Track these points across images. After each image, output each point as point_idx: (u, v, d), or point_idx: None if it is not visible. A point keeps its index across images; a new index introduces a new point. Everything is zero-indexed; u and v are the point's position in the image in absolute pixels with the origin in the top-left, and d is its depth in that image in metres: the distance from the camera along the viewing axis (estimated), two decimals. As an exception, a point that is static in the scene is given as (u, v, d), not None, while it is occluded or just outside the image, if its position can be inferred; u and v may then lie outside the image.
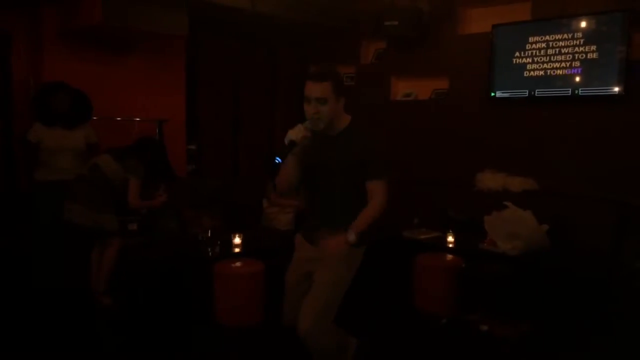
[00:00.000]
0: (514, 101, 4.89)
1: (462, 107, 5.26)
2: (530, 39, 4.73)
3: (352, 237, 2.49)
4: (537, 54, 4.70)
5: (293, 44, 6.44)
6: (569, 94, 4.55)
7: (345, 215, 2.61)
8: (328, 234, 2.58)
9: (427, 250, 4.44)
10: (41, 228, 4.26)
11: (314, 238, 2.72)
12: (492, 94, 4.99)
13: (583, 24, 4.46)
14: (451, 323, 3.94)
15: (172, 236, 4.71)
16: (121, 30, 4.68)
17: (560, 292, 3.72)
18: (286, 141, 2.52)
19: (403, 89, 5.92)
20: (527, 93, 4.78)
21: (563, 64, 4.57)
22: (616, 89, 4.32)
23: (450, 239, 4.62)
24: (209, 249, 4.25)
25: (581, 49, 4.46)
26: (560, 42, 4.57)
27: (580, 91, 4.49)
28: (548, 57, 4.64)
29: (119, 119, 5.12)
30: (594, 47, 4.40)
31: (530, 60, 4.75)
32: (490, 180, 4.86)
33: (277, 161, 2.61)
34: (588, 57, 4.44)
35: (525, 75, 4.78)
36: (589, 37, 4.42)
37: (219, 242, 4.32)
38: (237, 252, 4.31)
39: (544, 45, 4.66)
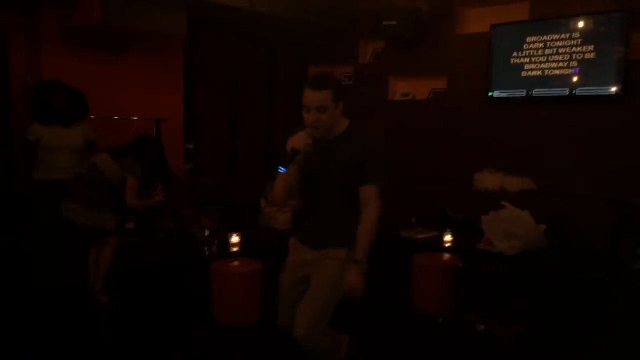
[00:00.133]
0: (511, 101, 4.89)
1: (460, 107, 5.27)
2: (528, 39, 4.73)
3: (364, 267, 2.57)
4: (535, 54, 4.70)
5: (292, 43, 6.44)
6: (567, 94, 4.56)
7: (344, 217, 2.65)
8: (326, 239, 2.63)
9: (425, 250, 4.44)
10: (40, 227, 4.25)
11: (311, 241, 2.72)
12: (490, 94, 4.99)
13: (581, 24, 4.46)
14: (448, 323, 3.95)
15: (170, 235, 4.71)
16: (120, 29, 4.67)
17: (557, 292, 3.73)
18: (288, 149, 2.50)
19: (401, 89, 5.92)
20: (525, 93, 4.79)
21: (561, 64, 4.57)
22: (614, 89, 4.32)
23: (448, 238, 4.62)
24: (207, 249, 4.26)
25: (579, 49, 4.46)
26: (558, 42, 4.57)
27: (578, 91, 4.50)
28: (546, 57, 4.65)
29: (117, 118, 5.12)
30: (591, 48, 4.40)
31: (528, 61, 4.75)
32: (488, 180, 4.87)
33: (280, 171, 2.57)
34: (586, 57, 4.44)
35: (523, 75, 4.79)
36: (587, 37, 4.43)
37: (216, 242, 4.32)
38: (235, 252, 4.31)
39: (541, 45, 4.67)
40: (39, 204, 4.27)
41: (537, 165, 4.74)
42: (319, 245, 2.69)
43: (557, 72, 4.59)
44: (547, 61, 4.63)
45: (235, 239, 4.37)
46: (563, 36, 4.54)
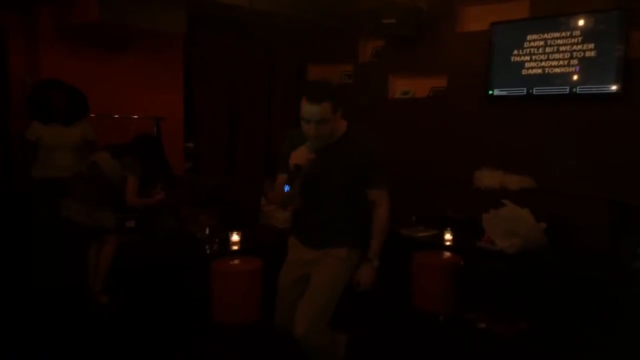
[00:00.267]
0: (512, 99, 4.89)
1: (460, 105, 5.27)
2: (529, 37, 4.73)
3: (376, 263, 2.66)
4: (535, 52, 4.70)
5: (291, 42, 6.43)
6: (567, 92, 4.56)
7: (345, 217, 2.66)
8: (327, 237, 2.64)
9: (425, 248, 4.43)
10: (40, 226, 4.25)
11: (312, 241, 2.71)
12: (490, 92, 4.99)
13: (581, 22, 4.46)
14: (449, 321, 3.95)
15: (170, 234, 4.70)
16: (118, 27, 4.67)
17: (557, 290, 3.73)
18: (291, 166, 2.47)
19: (401, 87, 5.92)
20: (525, 91, 4.79)
21: (561, 62, 4.57)
22: (614, 88, 4.32)
23: (448, 237, 4.62)
24: (207, 247, 4.25)
25: (579, 47, 4.46)
26: (558, 40, 4.57)
27: (578, 89, 4.50)
28: (546, 55, 4.64)
29: (116, 116, 5.11)
30: (591, 46, 4.40)
31: (529, 59, 4.75)
32: (488, 178, 4.87)
33: (285, 189, 2.55)
34: (586, 55, 4.44)
35: (523, 73, 4.79)
36: (587, 35, 4.43)
37: (216, 240, 4.32)
38: (235, 250, 4.31)
39: (542, 43, 4.66)
40: (38, 203, 4.26)
41: (537, 164, 4.74)
42: (320, 245, 2.69)
43: (557, 70, 4.59)
44: (548, 59, 4.63)
45: (235, 237, 4.37)
46: (563, 34, 4.54)
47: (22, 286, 4.15)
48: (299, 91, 6.32)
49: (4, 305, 3.93)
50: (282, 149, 2.68)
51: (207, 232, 4.36)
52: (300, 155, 2.47)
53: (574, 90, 4.52)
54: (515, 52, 4.82)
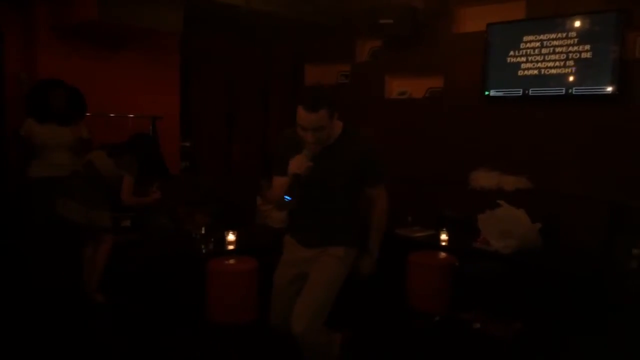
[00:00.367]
0: (508, 100, 4.90)
1: (456, 105, 5.27)
2: (525, 38, 4.74)
3: (376, 254, 2.76)
4: (532, 53, 4.71)
5: (288, 41, 6.43)
6: (563, 93, 4.57)
7: (342, 217, 2.67)
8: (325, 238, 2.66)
9: (421, 248, 4.44)
10: (36, 225, 4.24)
11: (309, 241, 2.71)
12: (487, 93, 5.00)
13: (577, 24, 4.47)
14: (444, 321, 3.96)
15: (166, 233, 4.70)
16: (116, 26, 4.66)
17: (553, 290, 3.73)
18: (289, 175, 2.47)
19: (397, 87, 5.93)
20: (521, 92, 4.80)
21: (557, 63, 4.58)
22: (609, 89, 4.33)
23: (444, 237, 4.62)
24: (203, 246, 4.25)
25: (575, 48, 4.47)
26: (555, 42, 4.58)
27: (574, 90, 4.51)
28: (542, 56, 4.65)
29: (112, 115, 5.10)
30: (587, 47, 4.41)
31: (525, 60, 4.76)
32: (484, 178, 4.88)
33: (286, 200, 2.53)
34: (582, 56, 4.45)
35: (519, 74, 4.79)
36: (583, 36, 4.44)
37: (212, 240, 4.31)
38: (231, 250, 4.30)
39: (538, 44, 4.67)
40: (34, 202, 4.25)
41: (533, 164, 4.75)
42: (317, 244, 2.69)
43: (553, 71, 4.60)
44: (544, 60, 4.64)
45: (231, 236, 4.36)
46: (559, 35, 4.55)
47: (18, 285, 4.14)
48: (295, 91, 6.33)
49: (0, 304, 3.92)
50: (276, 150, 2.68)
51: (203, 231, 4.36)
52: (298, 164, 2.46)
53: (570, 91, 4.53)
54: (512, 53, 4.83)
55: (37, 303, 3.92)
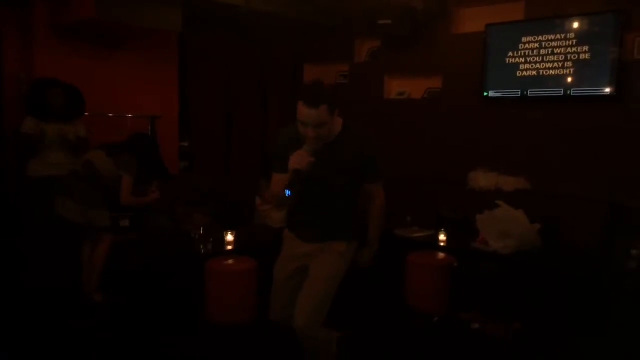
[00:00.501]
0: (506, 101, 4.91)
1: (455, 106, 5.28)
2: (524, 39, 4.75)
3: (376, 247, 2.82)
4: (530, 54, 4.72)
5: (287, 41, 6.43)
6: (561, 94, 4.57)
7: (342, 213, 2.68)
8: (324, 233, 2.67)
9: (420, 248, 4.44)
10: (34, 224, 4.23)
11: (309, 237, 2.71)
12: (485, 94, 5.01)
13: (576, 25, 4.48)
14: (443, 321, 3.96)
15: (165, 233, 4.70)
16: (114, 25, 4.65)
17: (551, 291, 3.74)
18: (290, 170, 2.46)
19: (396, 87, 5.93)
20: (519, 93, 4.80)
21: (556, 64, 4.59)
22: (608, 90, 4.34)
23: (443, 237, 4.62)
24: (202, 246, 4.24)
25: (574, 49, 4.48)
26: (553, 43, 4.59)
27: (572, 91, 4.52)
28: (541, 58, 4.66)
29: (111, 115, 5.10)
30: (586, 48, 4.42)
31: (523, 60, 4.77)
32: (482, 179, 4.88)
33: (287, 195, 2.52)
34: (580, 57, 4.46)
35: (518, 75, 4.80)
36: (582, 37, 4.45)
37: (211, 240, 4.31)
38: (230, 250, 4.30)
39: (536, 45, 4.68)
40: (33, 201, 4.25)
41: (531, 165, 4.76)
42: (318, 239, 2.69)
43: (552, 72, 4.61)
44: (542, 61, 4.65)
45: (230, 237, 4.36)
46: (558, 36, 4.56)
47: (17, 285, 4.13)
48: (294, 91, 6.32)
49: (-1, 304, 3.92)
50: (275, 147, 2.66)
51: (201, 231, 4.35)
52: (299, 160, 2.45)
53: (569, 92, 4.54)
54: (510, 53, 4.84)
55: (36, 302, 3.92)
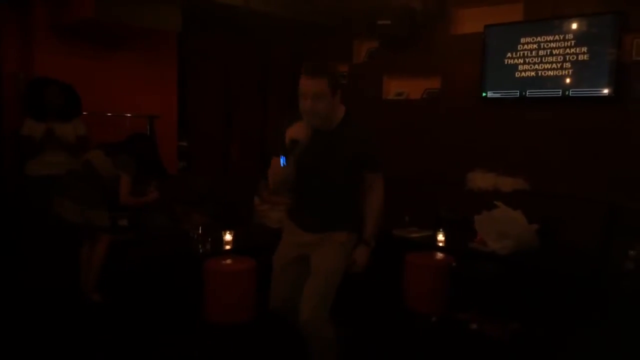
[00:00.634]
0: (505, 101, 4.92)
1: (453, 107, 5.28)
2: (522, 40, 4.75)
3: (373, 244, 2.69)
4: (529, 54, 4.73)
5: (286, 42, 6.43)
6: (560, 95, 4.58)
7: (343, 203, 2.67)
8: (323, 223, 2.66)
9: (418, 248, 4.45)
10: (33, 224, 4.23)
11: (310, 227, 2.70)
12: (484, 94, 5.02)
13: (574, 26, 4.49)
14: (441, 322, 3.96)
15: (163, 233, 4.70)
16: (114, 25, 4.65)
17: (549, 291, 3.75)
18: (287, 141, 2.45)
19: (395, 88, 5.93)
20: (518, 93, 4.81)
21: (554, 65, 4.60)
22: (606, 91, 4.35)
23: (441, 237, 4.63)
24: (200, 246, 4.25)
25: (572, 50, 4.49)
26: (552, 44, 4.60)
27: (570, 92, 4.53)
28: (539, 58, 4.67)
29: (110, 114, 5.10)
30: (584, 49, 4.43)
31: (522, 61, 4.77)
32: (481, 179, 4.89)
33: (282, 163, 2.50)
34: (579, 58, 4.47)
35: (516, 75, 4.81)
36: (580, 38, 4.45)
37: (210, 239, 4.31)
38: (228, 249, 4.30)
39: (535, 46, 4.69)
40: (32, 200, 4.24)
41: (530, 166, 4.77)
42: (320, 229, 2.68)
43: (550, 73, 4.62)
44: (541, 62, 4.66)
45: (228, 236, 4.36)
46: (557, 37, 4.56)
47: (15, 284, 4.13)
48: (294, 91, 6.32)
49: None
50: (279, 131, 2.62)
51: (200, 231, 4.35)
52: (297, 130, 2.45)
53: (567, 93, 4.54)
54: (509, 54, 4.84)
55: (34, 302, 3.91)
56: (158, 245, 4.35)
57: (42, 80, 4.38)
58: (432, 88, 5.61)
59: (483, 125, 5.10)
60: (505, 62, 4.86)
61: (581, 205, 4.33)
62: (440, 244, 4.58)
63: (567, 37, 4.51)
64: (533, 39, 4.69)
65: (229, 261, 3.97)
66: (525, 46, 4.74)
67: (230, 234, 4.38)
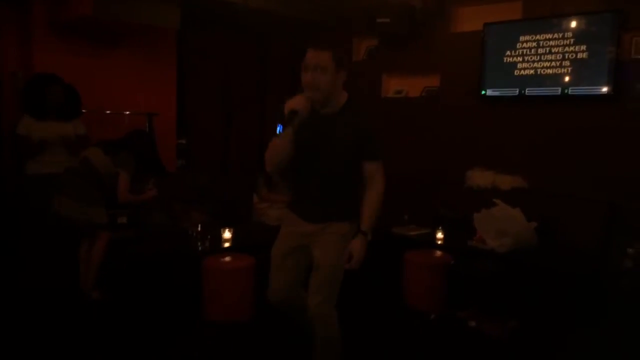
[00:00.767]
0: (504, 100, 4.92)
1: (452, 105, 5.29)
2: (521, 38, 4.76)
3: (369, 236, 2.60)
4: (528, 53, 4.73)
5: (285, 39, 6.43)
6: (559, 93, 4.59)
7: (344, 191, 2.66)
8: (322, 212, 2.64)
9: (417, 246, 4.46)
10: (32, 222, 4.22)
11: (311, 216, 2.69)
12: (483, 92, 5.02)
13: (573, 24, 4.50)
14: (440, 319, 3.97)
15: (162, 230, 4.69)
16: (112, 23, 4.64)
17: (548, 289, 3.75)
18: (286, 111, 2.45)
19: (394, 86, 5.94)
20: (517, 92, 4.82)
21: (553, 64, 4.60)
22: (605, 89, 4.36)
23: (440, 235, 4.64)
24: (199, 244, 4.24)
25: (571, 48, 4.50)
26: (551, 42, 4.60)
27: (569, 90, 4.53)
28: (538, 57, 4.68)
29: (108, 112, 5.09)
30: (584, 47, 4.44)
31: (521, 59, 4.78)
32: (480, 177, 4.90)
33: (278, 130, 2.51)
34: (578, 56, 4.47)
35: (515, 74, 4.82)
36: (579, 37, 4.46)
37: (209, 237, 4.31)
38: (227, 247, 4.30)
39: (534, 44, 4.69)
40: (31, 199, 4.24)
41: (528, 164, 4.77)
42: (320, 219, 2.67)
43: (549, 71, 4.62)
44: (540, 60, 4.66)
45: (227, 234, 4.36)
46: (556, 35, 4.57)
47: (15, 283, 4.12)
48: (293, 89, 6.32)
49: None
50: (280, 113, 2.62)
51: (199, 229, 4.35)
52: (297, 101, 2.46)
53: (566, 91, 4.55)
54: (508, 52, 4.84)
55: (33, 300, 3.91)
56: (157, 243, 4.35)
57: (43, 78, 4.35)
58: (431, 86, 5.61)
59: (482, 124, 5.10)
60: (505, 61, 4.87)
61: (579, 204, 4.34)
62: (439, 242, 4.59)
63: (566, 36, 4.52)
64: (532, 37, 4.70)
65: (228, 259, 3.97)
66: (525, 44, 4.75)
67: (229, 231, 4.38)
